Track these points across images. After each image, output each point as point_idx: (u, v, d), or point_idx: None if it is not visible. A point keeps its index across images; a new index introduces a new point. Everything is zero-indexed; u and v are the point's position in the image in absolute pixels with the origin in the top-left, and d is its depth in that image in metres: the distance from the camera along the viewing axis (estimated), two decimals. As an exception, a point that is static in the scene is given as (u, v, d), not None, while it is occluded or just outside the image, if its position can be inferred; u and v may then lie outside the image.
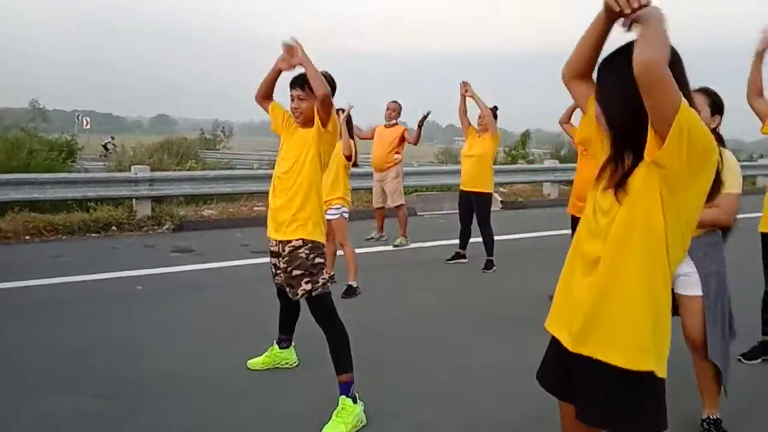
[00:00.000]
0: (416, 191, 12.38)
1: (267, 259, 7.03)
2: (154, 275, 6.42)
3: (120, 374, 3.91)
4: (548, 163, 14.24)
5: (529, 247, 8.36)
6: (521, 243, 8.51)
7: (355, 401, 3.29)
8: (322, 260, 3.46)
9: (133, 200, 9.29)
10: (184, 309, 5.32)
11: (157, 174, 9.70)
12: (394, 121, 7.80)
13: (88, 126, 34.73)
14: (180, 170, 13.76)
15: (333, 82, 3.51)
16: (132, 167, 9.60)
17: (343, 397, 3.28)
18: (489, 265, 6.91)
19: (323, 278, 3.44)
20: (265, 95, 3.64)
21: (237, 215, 10.13)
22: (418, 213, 11.04)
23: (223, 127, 45.34)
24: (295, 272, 3.40)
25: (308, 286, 3.39)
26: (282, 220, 3.47)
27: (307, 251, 3.40)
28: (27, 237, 8.28)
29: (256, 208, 10.67)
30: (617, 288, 1.69)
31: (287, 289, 3.51)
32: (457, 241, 7.34)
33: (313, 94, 3.29)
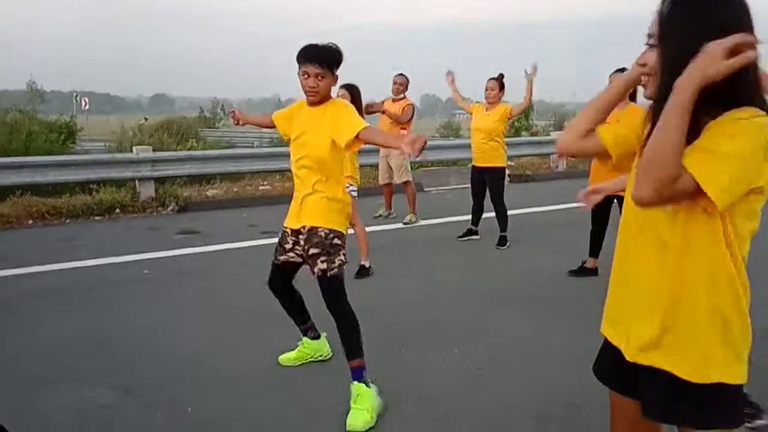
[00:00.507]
0: (421, 166, 12.21)
1: (275, 240, 7.12)
2: (162, 259, 6.28)
3: (135, 364, 3.79)
4: (555, 135, 14.02)
5: (541, 221, 8.21)
6: (532, 217, 8.35)
7: (368, 386, 3.20)
8: (340, 242, 3.32)
9: (136, 181, 9.13)
10: (196, 294, 5.19)
11: (160, 154, 9.54)
12: (402, 95, 7.59)
13: (87, 107, 34.43)
14: (182, 150, 13.57)
15: (341, 55, 3.30)
16: (134, 148, 9.42)
17: (356, 383, 3.20)
18: (503, 241, 6.77)
19: (340, 260, 3.31)
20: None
21: (242, 195, 9.98)
22: (425, 189, 10.89)
23: (222, 106, 44.99)
24: (312, 250, 3.27)
25: (324, 266, 3.26)
26: None
27: (326, 231, 3.28)
28: (30, 222, 8.15)
29: (261, 187, 10.52)
30: (679, 293, 1.55)
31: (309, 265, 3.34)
32: (467, 217, 7.20)
33: (330, 74, 3.19)
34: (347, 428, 3.03)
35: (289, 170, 10.74)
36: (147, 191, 9.06)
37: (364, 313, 3.51)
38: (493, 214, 6.86)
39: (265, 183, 10.97)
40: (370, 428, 3.04)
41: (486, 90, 6.75)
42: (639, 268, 1.63)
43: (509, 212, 6.95)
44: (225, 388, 3.51)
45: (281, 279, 3.56)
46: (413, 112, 7.65)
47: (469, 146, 7.93)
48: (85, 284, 5.44)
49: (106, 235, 7.49)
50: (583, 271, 5.59)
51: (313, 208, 3.29)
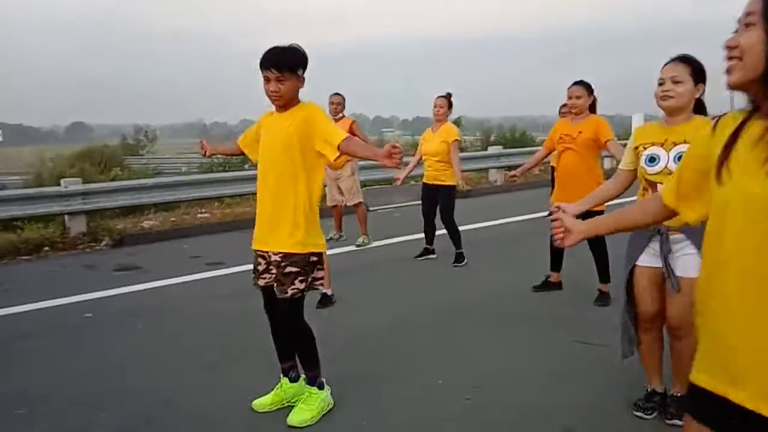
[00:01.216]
0: (364, 186, 12.04)
1: (224, 271, 6.81)
2: (102, 299, 5.81)
3: (87, 424, 3.39)
4: (493, 150, 14.18)
5: (488, 235, 8.17)
6: (479, 233, 8.29)
7: (321, 387, 3.33)
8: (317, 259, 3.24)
9: (65, 216, 8.54)
10: (148, 335, 4.79)
11: (91, 186, 8.97)
12: (340, 115, 7.39)
13: (1, 139, 32.59)
14: (114, 180, 12.90)
15: (306, 57, 3.13)
16: (61, 180, 8.83)
17: (308, 386, 3.33)
18: (459, 258, 6.67)
19: (313, 277, 3.22)
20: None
21: (181, 224, 9.51)
22: (370, 208, 10.71)
23: (146, 132, 43.71)
24: (289, 269, 3.13)
25: (302, 285, 3.16)
26: None
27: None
28: (-52, 266, 7.48)
29: (200, 215, 10.08)
30: None
31: (275, 286, 3.18)
32: (419, 236, 7.07)
33: (293, 76, 3.06)
34: (287, 421, 3.21)
35: (228, 197, 10.26)
36: (78, 226, 8.49)
37: (332, 345, 3.34)
38: (445, 231, 6.75)
39: (203, 211, 10.53)
40: (308, 426, 3.20)
41: (434, 107, 6.67)
42: (740, 289, 1.34)
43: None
44: (198, 441, 3.19)
45: (273, 303, 3.29)
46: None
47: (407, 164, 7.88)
48: (15, 334, 4.92)
49: (37, 277, 6.92)
50: (547, 286, 5.52)
51: (287, 231, 3.11)
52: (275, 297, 3.21)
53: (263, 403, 3.42)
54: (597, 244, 5.13)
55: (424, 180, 6.84)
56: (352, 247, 7.57)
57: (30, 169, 21.15)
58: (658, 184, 2.98)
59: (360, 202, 7.69)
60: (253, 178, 10.48)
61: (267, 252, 3.21)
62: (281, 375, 3.47)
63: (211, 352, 4.34)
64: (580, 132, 5.03)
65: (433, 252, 6.90)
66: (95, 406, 3.57)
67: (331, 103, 7.38)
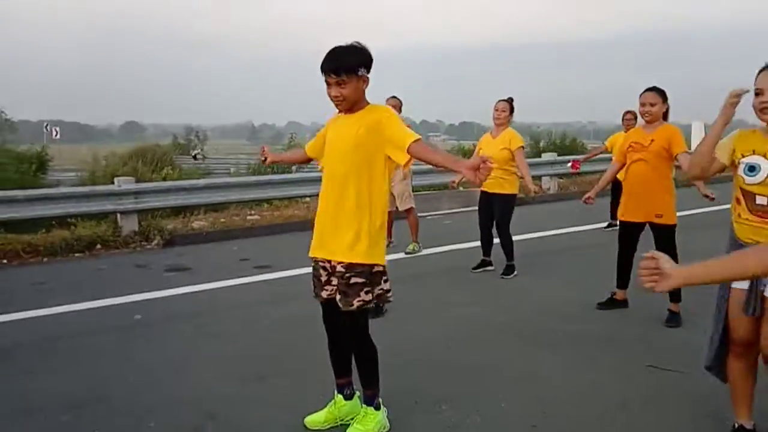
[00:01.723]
0: (413, 191, 11.84)
1: (272, 276, 6.69)
2: (152, 300, 5.76)
3: (143, 424, 3.28)
4: (547, 156, 13.80)
5: (543, 248, 7.85)
6: (533, 243, 7.98)
7: (377, 408, 3.15)
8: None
9: (118, 215, 8.58)
10: (197, 341, 4.67)
11: (143, 185, 9.02)
12: (399, 119, 7.20)
13: (58, 136, 33.61)
14: (165, 179, 13.05)
15: (367, 54, 2.94)
16: (115, 179, 8.89)
17: (365, 406, 3.15)
18: (509, 270, 6.40)
19: (382, 289, 3.05)
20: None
21: (230, 226, 9.48)
22: (419, 215, 10.50)
23: (197, 132, 44.48)
24: (354, 280, 2.96)
25: (368, 297, 2.97)
26: None
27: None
28: (4, 261, 7.56)
29: (249, 218, 10.03)
30: None
31: (338, 298, 2.99)
32: (470, 245, 6.84)
33: (355, 78, 2.87)
34: None
35: (277, 199, 10.10)
36: (130, 225, 8.52)
37: (381, 362, 3.16)
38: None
39: (253, 213, 10.49)
40: None
41: (495, 111, 6.42)
42: None
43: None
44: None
45: (334, 317, 3.12)
46: None
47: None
48: (66, 334, 4.87)
49: (87, 275, 6.93)
50: (612, 303, 5.21)
51: (350, 239, 2.94)
52: (336, 310, 3.03)
53: (316, 420, 3.24)
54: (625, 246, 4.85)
55: (482, 188, 6.59)
56: (402, 254, 7.37)
57: (85, 167, 21.67)
58: (757, 196, 2.70)
59: (411, 208, 7.49)
60: (302, 182, 10.48)
61: (328, 261, 3.03)
62: (335, 391, 3.28)
63: (260, 363, 4.19)
64: (652, 140, 4.72)
65: (490, 264, 6.63)
66: (142, 415, 3.45)
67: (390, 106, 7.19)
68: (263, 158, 3.53)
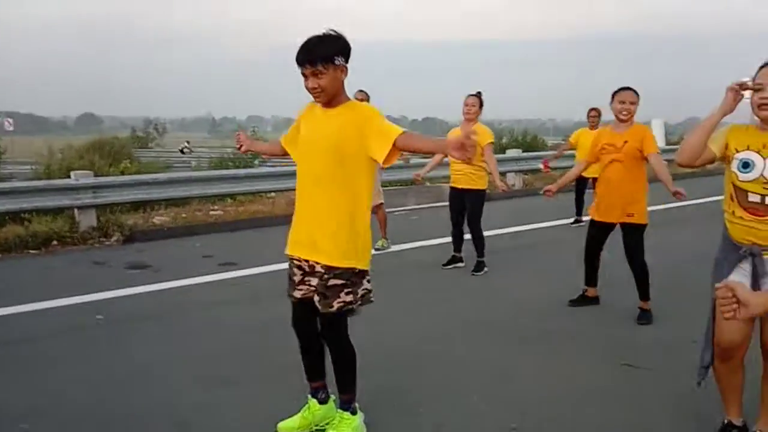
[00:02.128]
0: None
1: (238, 273, 6.52)
2: (114, 300, 5.53)
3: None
4: (511, 153, 13.86)
5: (511, 244, 7.87)
6: (501, 240, 7.96)
7: (354, 413, 3.04)
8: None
9: (75, 210, 8.27)
10: (162, 343, 4.49)
11: (102, 179, 8.70)
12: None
13: (11, 128, 32.54)
14: (123, 173, 12.69)
15: (344, 42, 2.80)
16: (72, 173, 8.56)
17: (340, 411, 3.05)
18: (480, 267, 6.37)
19: (365, 289, 2.94)
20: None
21: (192, 222, 9.23)
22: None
23: (156, 125, 43.56)
24: (333, 281, 2.84)
25: (349, 298, 2.85)
26: None
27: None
28: (-47, 258, 7.22)
29: (212, 213, 9.80)
30: None
31: (317, 299, 2.87)
32: (439, 241, 6.79)
33: (332, 67, 2.73)
34: None
35: (241, 194, 9.87)
36: (88, 220, 8.22)
37: (362, 361, 3.06)
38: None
39: (216, 208, 10.26)
40: None
41: (465, 105, 6.36)
42: None
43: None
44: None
45: (306, 318, 3.00)
46: None
47: (421, 166, 7.74)
48: (21, 337, 4.63)
49: (44, 273, 6.66)
50: (584, 301, 5.21)
51: (328, 240, 2.82)
52: (309, 311, 2.91)
53: (289, 426, 3.11)
54: (637, 258, 4.82)
55: (452, 184, 6.54)
56: (372, 251, 7.25)
57: (40, 160, 21.00)
58: (749, 193, 2.67)
59: (381, 204, 7.40)
60: (267, 177, 10.29)
61: (305, 261, 2.91)
62: (309, 396, 3.16)
63: (230, 366, 4.04)
64: (625, 142, 4.70)
65: (461, 260, 6.59)
66: (107, 423, 3.29)
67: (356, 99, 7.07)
68: (239, 145, 3.36)
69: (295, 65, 2.78)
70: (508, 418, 3.28)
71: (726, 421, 2.96)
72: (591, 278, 5.20)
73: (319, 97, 2.81)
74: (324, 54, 2.72)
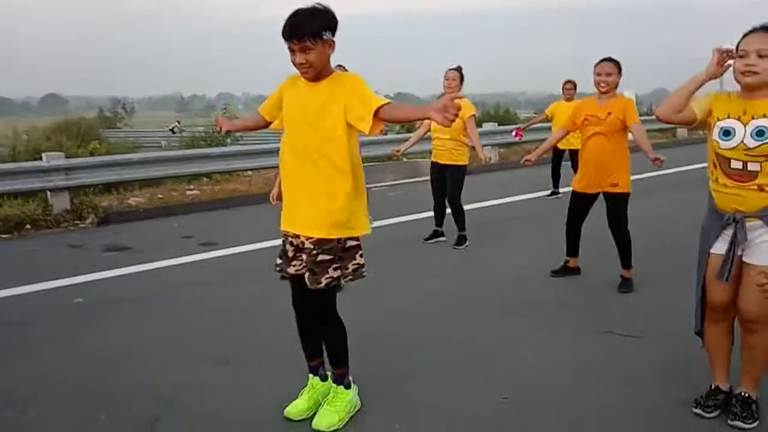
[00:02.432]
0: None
1: (219, 253, 6.45)
2: (93, 283, 5.45)
3: (84, 429, 3.06)
4: (488, 127, 13.86)
5: (491, 216, 7.88)
6: (481, 213, 7.99)
7: (348, 387, 3.07)
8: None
9: (48, 192, 8.10)
10: (146, 324, 4.43)
11: (74, 161, 8.52)
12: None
13: (-28, 110, 31.63)
14: (92, 154, 12.43)
15: (332, 16, 2.75)
16: (43, 155, 8.36)
17: (335, 385, 3.06)
18: (461, 240, 6.40)
19: (356, 263, 2.93)
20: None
21: (169, 202, 9.11)
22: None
23: (124, 104, 42.76)
24: (322, 257, 2.82)
25: (336, 273, 2.84)
26: None
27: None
28: None
29: (189, 193, 9.67)
30: None
31: (306, 275, 2.86)
32: (419, 216, 6.79)
33: (320, 42, 2.69)
34: (312, 425, 2.96)
35: (217, 173, 9.76)
36: (61, 203, 8.05)
37: (353, 338, 3.08)
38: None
39: (192, 188, 10.12)
40: (336, 430, 2.95)
41: (446, 80, 6.32)
42: None
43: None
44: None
45: (303, 296, 2.97)
46: None
47: (399, 141, 7.73)
48: (6, 320, 4.55)
49: (18, 257, 6.52)
50: (566, 271, 5.26)
51: (316, 213, 2.80)
52: (304, 288, 2.88)
53: (299, 409, 3.07)
54: (620, 226, 4.87)
55: (434, 159, 6.52)
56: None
57: (4, 142, 20.49)
58: (732, 160, 2.70)
59: (361, 180, 7.35)
60: (242, 155, 10.19)
61: (295, 236, 2.88)
62: (309, 374, 3.15)
63: (217, 346, 4.01)
64: (609, 113, 4.72)
65: (443, 234, 6.60)
66: (93, 407, 3.23)
67: None
68: (218, 128, 3.29)
69: (274, 40, 2.73)
70: (498, 390, 3.31)
71: (713, 386, 3.02)
72: (572, 249, 5.24)
73: (306, 73, 2.75)
74: (312, 29, 2.67)
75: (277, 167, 3.23)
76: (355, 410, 3.07)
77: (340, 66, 7.04)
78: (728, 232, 2.76)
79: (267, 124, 3.11)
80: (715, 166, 2.79)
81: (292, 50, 2.71)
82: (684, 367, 3.45)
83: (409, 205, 8.28)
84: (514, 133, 9.61)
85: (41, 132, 22.23)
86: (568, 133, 5.27)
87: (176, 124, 34.33)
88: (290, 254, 2.94)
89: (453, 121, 2.42)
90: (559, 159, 9.05)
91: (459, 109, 2.42)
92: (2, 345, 4.13)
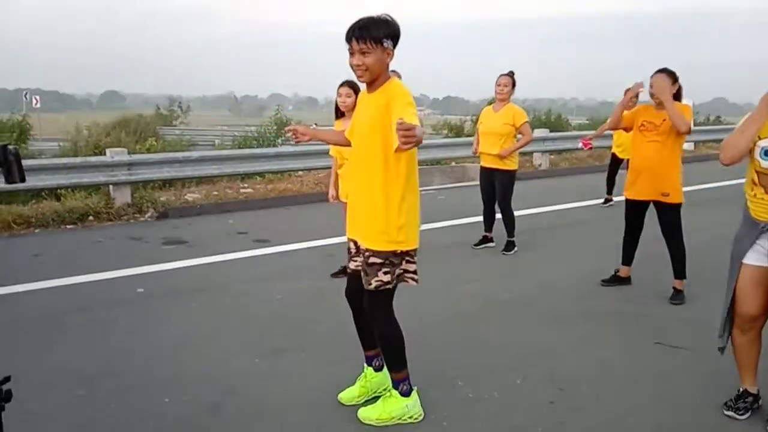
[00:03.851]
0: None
1: (272, 249, 6.65)
2: (153, 274, 5.69)
3: (150, 410, 3.24)
4: (539, 133, 13.77)
5: (539, 224, 7.85)
6: (528, 220, 7.97)
7: (406, 395, 3.06)
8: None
9: (110, 187, 8.45)
10: (208, 315, 4.64)
11: (136, 157, 8.86)
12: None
13: (38, 105, 32.94)
14: (149, 150, 12.86)
15: (395, 27, 2.84)
16: (107, 150, 8.72)
17: (392, 390, 3.10)
18: (510, 246, 6.43)
19: (401, 270, 2.99)
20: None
21: (224, 199, 9.38)
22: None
23: (180, 103, 43.76)
24: (373, 260, 2.93)
25: (386, 277, 2.93)
26: None
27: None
28: (-5, 232, 7.43)
29: (243, 191, 9.93)
30: None
31: (362, 276, 2.99)
32: (468, 220, 6.84)
33: (379, 48, 2.78)
34: (357, 413, 3.09)
35: (271, 173, 10.01)
36: (122, 197, 8.39)
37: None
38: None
39: (246, 186, 10.39)
40: (380, 425, 3.02)
41: (498, 86, 6.38)
42: None
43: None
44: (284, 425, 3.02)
45: (356, 291, 3.09)
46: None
47: (449, 146, 7.68)
48: (69, 307, 4.80)
49: (82, 247, 6.84)
50: (616, 280, 5.24)
51: (368, 222, 2.93)
52: (360, 285, 3.00)
53: (350, 396, 3.24)
54: (674, 237, 4.85)
55: (483, 164, 6.58)
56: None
57: (67, 137, 21.31)
58: None
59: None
60: (295, 156, 10.39)
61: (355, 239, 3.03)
62: (365, 364, 3.28)
63: (274, 337, 4.17)
64: (664, 120, 4.71)
65: (491, 240, 6.63)
66: (156, 390, 3.43)
67: None
68: (296, 139, 3.25)
69: (345, 44, 2.84)
70: (545, 394, 3.37)
71: (741, 390, 3.08)
72: (626, 257, 5.21)
73: (362, 76, 2.85)
74: (375, 33, 2.78)
75: (327, 168, 3.31)
76: (410, 419, 3.07)
77: (394, 71, 7.17)
78: (761, 242, 2.80)
79: (348, 144, 3.21)
80: (755, 183, 2.83)
81: (351, 52, 2.81)
82: (734, 379, 3.44)
83: (457, 209, 8.35)
84: (581, 144, 9.24)
85: (102, 128, 23.00)
86: (620, 126, 5.13)
87: (314, 125, 34.34)
88: (352, 252, 3.09)
89: (407, 144, 2.39)
90: (616, 167, 8.93)
91: (409, 130, 2.36)
92: (74, 329, 4.38)
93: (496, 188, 6.49)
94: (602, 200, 9.03)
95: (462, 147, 11.83)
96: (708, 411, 3.18)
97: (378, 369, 3.25)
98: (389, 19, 2.84)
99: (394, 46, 2.87)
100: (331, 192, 5.37)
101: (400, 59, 3.12)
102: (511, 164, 6.43)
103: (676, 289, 4.88)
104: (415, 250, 3.01)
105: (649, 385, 3.50)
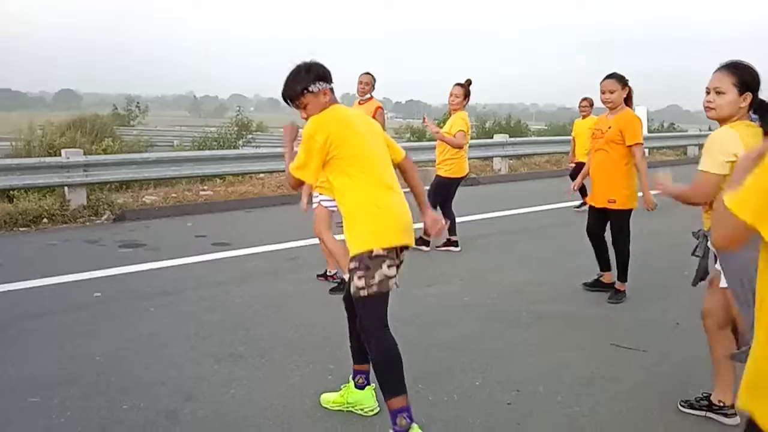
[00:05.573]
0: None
1: (232, 253, 6.59)
2: (110, 278, 5.59)
3: (108, 417, 3.19)
4: (498, 138, 13.98)
5: (499, 228, 7.97)
6: (487, 224, 8.11)
7: (404, 430, 2.83)
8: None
9: (66, 188, 8.27)
10: (166, 320, 4.57)
11: (93, 158, 8.70)
12: (368, 96, 7.13)
13: (-12, 103, 31.90)
14: (106, 151, 12.58)
15: (309, 70, 2.94)
16: (63, 151, 8.53)
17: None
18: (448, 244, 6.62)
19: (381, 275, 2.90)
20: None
21: (183, 201, 9.26)
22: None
23: (138, 103, 42.96)
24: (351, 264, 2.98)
25: (360, 282, 2.86)
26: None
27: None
28: (-57, 235, 7.20)
29: (202, 193, 9.82)
30: None
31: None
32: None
33: (304, 99, 2.95)
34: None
35: (231, 175, 9.96)
36: (78, 199, 8.22)
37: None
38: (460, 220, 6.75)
39: (206, 188, 10.28)
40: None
41: (450, 96, 6.51)
42: None
43: (468, 218, 7.02)
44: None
45: (350, 297, 3.10)
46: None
47: (411, 149, 7.76)
48: (21, 314, 4.68)
49: (36, 251, 6.67)
50: (599, 285, 5.26)
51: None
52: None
53: (326, 399, 3.27)
54: (620, 242, 4.98)
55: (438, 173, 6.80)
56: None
57: (20, 135, 20.70)
58: None
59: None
60: (256, 158, 10.34)
61: None
62: (350, 377, 3.26)
63: (232, 342, 4.14)
64: (609, 127, 4.82)
65: (455, 243, 6.69)
66: (114, 396, 3.38)
67: (360, 82, 7.08)
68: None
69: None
70: (503, 396, 3.43)
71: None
72: (601, 263, 5.25)
73: (306, 119, 2.98)
74: (293, 92, 2.91)
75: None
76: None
77: (367, 74, 7.16)
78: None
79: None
80: None
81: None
82: (687, 381, 3.56)
83: (418, 212, 8.39)
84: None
85: (56, 127, 22.41)
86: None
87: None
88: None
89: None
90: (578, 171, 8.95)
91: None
92: (26, 335, 4.27)
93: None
94: (578, 203, 8.86)
95: (424, 151, 11.91)
96: (662, 409, 3.28)
97: (359, 387, 3.20)
98: (305, 66, 2.93)
99: (326, 83, 2.93)
100: (304, 200, 5.36)
101: (367, 64, 3.19)
102: (446, 172, 6.58)
103: (617, 290, 5.04)
104: (394, 251, 2.92)
105: (604, 385, 3.59)
